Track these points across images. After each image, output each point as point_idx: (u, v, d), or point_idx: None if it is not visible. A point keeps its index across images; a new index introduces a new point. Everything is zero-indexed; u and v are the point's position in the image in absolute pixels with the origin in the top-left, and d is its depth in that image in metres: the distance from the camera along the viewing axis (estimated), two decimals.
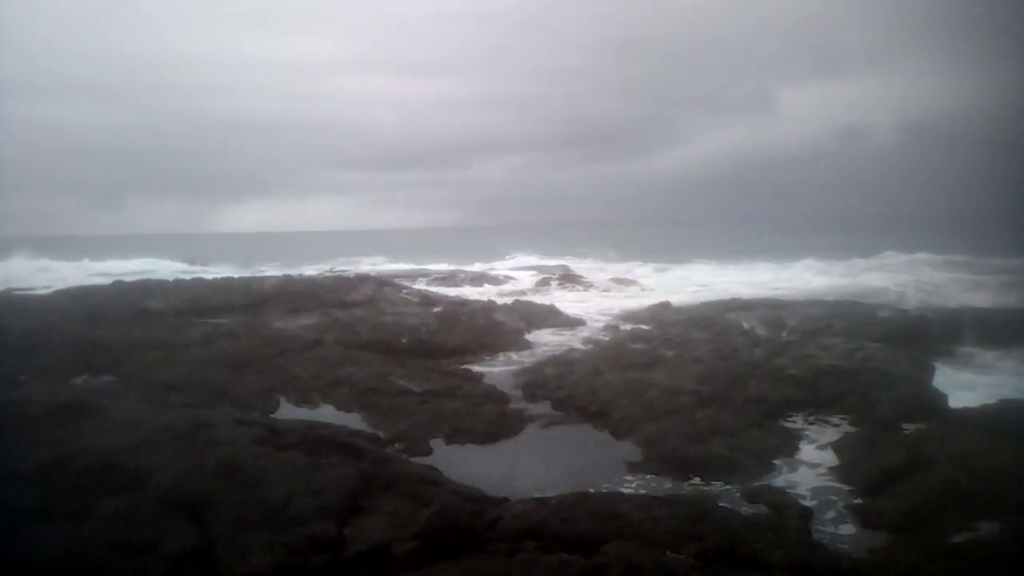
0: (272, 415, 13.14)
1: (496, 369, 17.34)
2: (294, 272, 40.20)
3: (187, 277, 33.99)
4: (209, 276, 35.66)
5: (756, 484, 9.87)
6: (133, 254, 61.39)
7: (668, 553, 6.75)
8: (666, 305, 24.90)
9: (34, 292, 30.99)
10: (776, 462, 10.75)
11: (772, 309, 22.35)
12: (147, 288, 27.41)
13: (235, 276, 36.58)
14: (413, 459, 10.71)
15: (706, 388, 13.75)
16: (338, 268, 47.52)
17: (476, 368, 17.31)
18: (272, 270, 46.61)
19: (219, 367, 16.43)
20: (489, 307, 24.73)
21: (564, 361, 17.04)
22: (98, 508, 7.11)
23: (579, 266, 47.27)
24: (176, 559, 6.45)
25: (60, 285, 32.22)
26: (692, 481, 10.19)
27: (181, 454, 8.42)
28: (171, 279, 31.83)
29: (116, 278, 32.90)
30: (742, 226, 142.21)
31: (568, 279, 37.83)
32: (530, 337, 20.98)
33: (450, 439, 12.16)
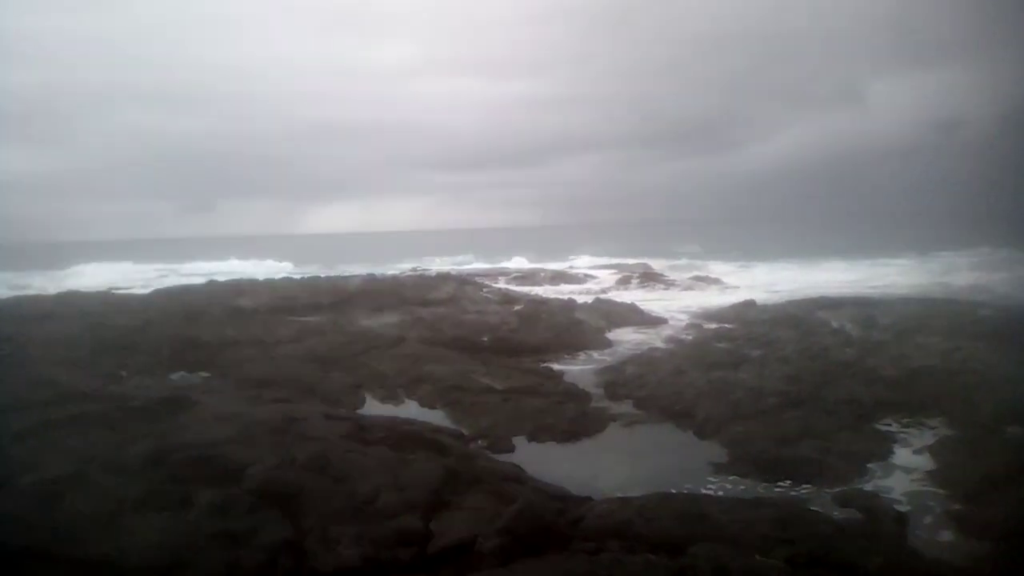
0: (359, 411, 13.44)
1: (577, 368, 17.31)
2: (377, 271, 41.01)
3: (288, 277, 35.12)
4: (297, 275, 36.74)
5: (848, 488, 9.56)
6: (230, 254, 63.77)
7: (757, 557, 6.62)
8: (751, 303, 24.39)
9: (133, 291, 32.55)
10: (869, 466, 10.38)
11: (863, 307, 21.65)
12: (239, 287, 28.39)
13: (322, 275, 37.57)
14: (496, 456, 10.80)
15: (794, 389, 13.41)
16: (420, 267, 48.25)
17: (557, 366, 17.31)
18: (357, 269, 47.65)
19: (308, 364, 16.90)
20: (569, 305, 24.72)
21: (646, 360, 16.88)
22: (197, 499, 7.41)
23: (660, 264, 46.75)
24: (270, 550, 6.66)
25: (158, 285, 33.75)
26: (780, 484, 9.95)
27: (274, 448, 8.72)
28: (262, 279, 32.91)
29: (212, 277, 34.25)
30: (831, 222, 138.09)
31: (649, 277, 37.46)
32: (611, 336, 20.87)
33: (532, 437, 12.20)
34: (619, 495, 8.73)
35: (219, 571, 6.24)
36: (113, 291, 33.08)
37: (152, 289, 31.15)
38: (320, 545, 6.76)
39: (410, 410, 13.92)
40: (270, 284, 30.16)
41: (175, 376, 16.70)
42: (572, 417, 12.88)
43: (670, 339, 20.16)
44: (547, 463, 10.64)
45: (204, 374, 17.01)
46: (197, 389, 14.07)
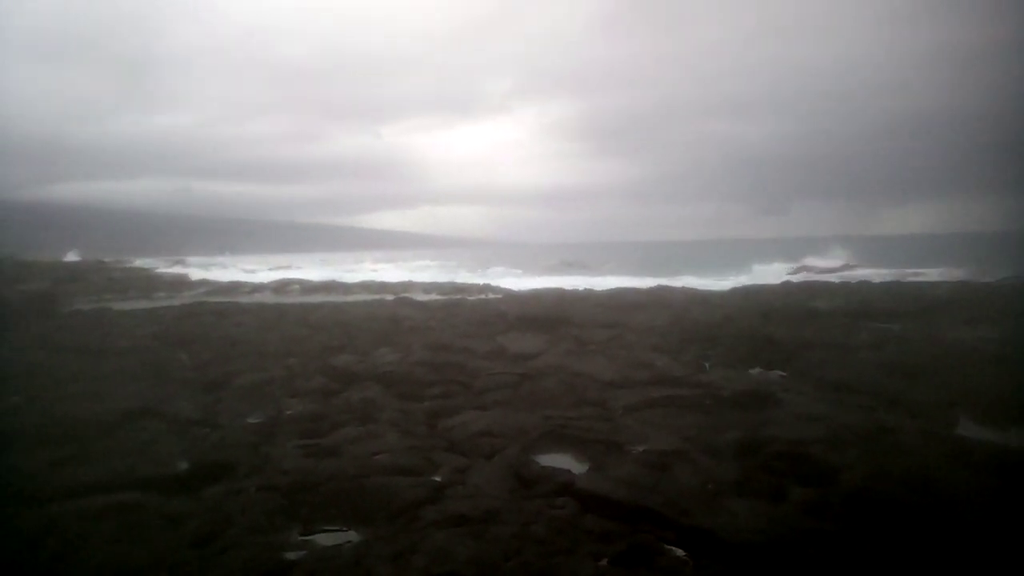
0: (953, 431, 12.15)
1: None
2: (967, 277, 36.59)
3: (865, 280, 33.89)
4: (876, 280, 34.96)
5: None
6: (804, 255, 64.02)
7: None
8: None
9: (713, 289, 34.73)
10: None
11: None
12: (813, 289, 28.19)
13: (900, 280, 35.09)
14: None
15: None
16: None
17: None
18: (936, 275, 43.23)
19: (889, 373, 15.90)
20: None
21: None
22: (791, 493, 7.55)
23: None
24: (868, 560, 6.42)
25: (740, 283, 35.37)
26: None
27: (866, 456, 8.40)
28: (837, 281, 32.18)
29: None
30: None
31: None
32: None
33: None
34: None
35: (815, 568, 6.24)
36: (690, 289, 35.72)
37: (731, 287, 32.83)
38: (930, 571, 6.27)
39: (1019, 438, 12.06)
40: (845, 287, 29.28)
41: (752, 371, 17.28)
42: None
43: None
44: None
45: (779, 372, 17.25)
46: (777, 386, 14.33)
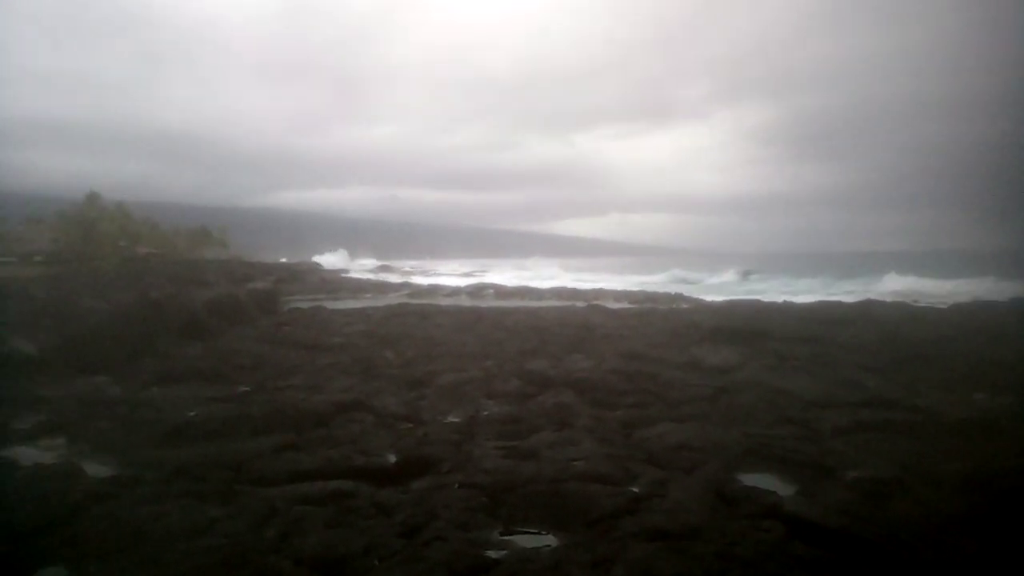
0: None
1: None
2: None
3: None
4: None
5: None
6: None
7: None
8: None
9: (932, 305, 31.98)
10: None
11: None
12: None
13: None
14: None
15: None
16: None
17: None
18: None
19: None
20: None
21: None
22: None
23: None
24: None
25: (960, 299, 32.45)
26: None
27: None
28: None
29: None
30: None
31: None
32: None
33: None
34: None
35: None
36: (907, 303, 33.14)
37: (950, 304, 30.18)
38: None
39: None
40: None
41: (977, 397, 15.69)
42: None
43: None
44: None
45: (1010, 399, 15.54)
46: (1006, 414, 12.94)
